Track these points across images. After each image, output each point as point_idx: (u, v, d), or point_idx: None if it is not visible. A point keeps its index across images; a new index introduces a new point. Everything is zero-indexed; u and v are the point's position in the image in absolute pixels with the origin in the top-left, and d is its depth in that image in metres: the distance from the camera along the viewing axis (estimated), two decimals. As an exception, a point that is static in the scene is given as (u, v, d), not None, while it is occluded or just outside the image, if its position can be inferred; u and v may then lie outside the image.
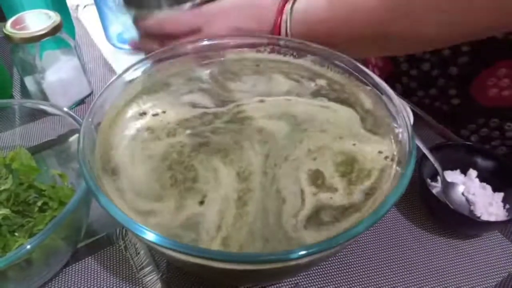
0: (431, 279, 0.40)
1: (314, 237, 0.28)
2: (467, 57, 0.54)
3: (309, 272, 0.40)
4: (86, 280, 0.38)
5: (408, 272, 0.40)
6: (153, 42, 0.48)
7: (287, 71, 0.43)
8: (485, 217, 0.42)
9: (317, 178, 0.32)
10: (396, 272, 0.40)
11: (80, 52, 0.56)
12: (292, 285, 0.39)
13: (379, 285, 0.39)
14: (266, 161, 0.33)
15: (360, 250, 0.42)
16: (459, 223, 0.42)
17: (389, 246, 0.42)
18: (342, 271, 0.40)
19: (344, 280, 0.39)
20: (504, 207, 0.43)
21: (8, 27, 0.49)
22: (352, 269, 0.40)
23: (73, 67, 0.55)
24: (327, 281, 0.39)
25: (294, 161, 0.33)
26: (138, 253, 0.40)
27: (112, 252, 0.40)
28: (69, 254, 0.39)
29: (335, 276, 0.39)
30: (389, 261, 0.41)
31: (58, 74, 0.54)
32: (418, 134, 0.35)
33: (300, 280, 0.39)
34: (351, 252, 0.41)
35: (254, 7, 0.47)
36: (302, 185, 0.31)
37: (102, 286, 0.38)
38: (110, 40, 0.71)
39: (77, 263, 0.39)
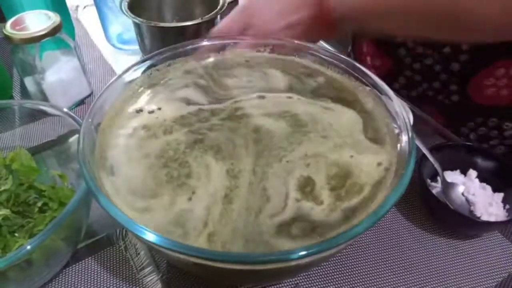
0: (431, 279, 0.40)
1: (284, 244, 0.27)
2: (467, 55, 0.54)
3: (309, 273, 0.40)
4: (86, 280, 0.38)
5: (408, 272, 0.40)
6: None
7: (284, 67, 0.43)
8: (485, 218, 0.42)
9: (306, 185, 0.31)
10: (396, 272, 0.40)
11: (80, 53, 0.56)
12: (292, 286, 0.39)
13: (379, 285, 0.39)
14: (258, 160, 0.33)
15: (360, 250, 0.42)
16: (459, 223, 0.42)
17: (389, 246, 0.42)
18: (342, 272, 0.40)
19: (344, 281, 0.39)
20: (504, 207, 0.43)
21: (8, 27, 0.49)
22: (352, 270, 0.40)
23: (73, 67, 0.55)
24: (327, 281, 0.39)
25: (288, 163, 0.33)
26: (138, 253, 0.40)
27: (112, 252, 0.40)
28: (69, 254, 0.39)
29: (335, 276, 0.39)
30: (389, 261, 0.41)
31: (58, 74, 0.54)
32: (418, 134, 0.35)
33: (300, 281, 0.39)
34: (351, 252, 0.41)
35: None
36: (289, 188, 0.31)
37: (102, 286, 0.38)
38: (110, 40, 0.71)
39: (77, 264, 0.39)
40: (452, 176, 0.46)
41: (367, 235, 0.43)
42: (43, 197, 0.40)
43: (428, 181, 0.46)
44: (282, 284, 0.39)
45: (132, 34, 0.64)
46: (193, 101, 0.39)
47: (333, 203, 0.30)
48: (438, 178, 0.45)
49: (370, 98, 0.38)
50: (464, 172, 0.46)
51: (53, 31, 0.50)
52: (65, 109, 0.41)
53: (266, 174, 0.32)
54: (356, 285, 0.39)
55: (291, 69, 0.42)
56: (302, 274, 0.39)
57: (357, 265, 0.40)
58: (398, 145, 0.33)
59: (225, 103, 0.38)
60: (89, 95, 0.60)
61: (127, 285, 0.38)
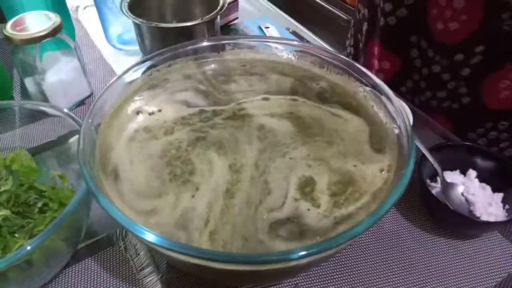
0: (431, 279, 0.40)
1: (276, 245, 0.27)
2: (481, 56, 0.52)
3: (309, 273, 0.40)
4: (86, 281, 0.38)
5: (407, 272, 0.40)
6: None
7: (282, 71, 0.42)
8: (484, 218, 0.42)
9: (307, 185, 0.31)
10: (396, 272, 0.40)
11: (80, 53, 0.56)
12: (292, 286, 0.39)
13: (379, 285, 0.39)
14: (261, 155, 0.33)
15: (360, 250, 0.42)
16: (458, 223, 0.42)
17: (388, 246, 0.42)
18: (342, 272, 0.40)
19: (344, 281, 0.39)
20: (503, 207, 0.43)
21: (8, 28, 0.49)
22: (352, 270, 0.40)
23: (73, 68, 0.56)
24: (327, 281, 0.39)
25: (290, 160, 0.33)
26: (138, 254, 0.40)
27: (112, 253, 0.40)
28: (69, 255, 0.39)
29: (335, 276, 0.39)
30: (388, 261, 0.41)
31: (58, 75, 0.54)
32: (417, 134, 0.35)
33: (300, 281, 0.39)
34: (351, 252, 0.41)
35: None
36: (290, 186, 0.31)
37: (102, 287, 0.38)
38: (110, 41, 0.71)
39: (77, 264, 0.39)
40: (452, 176, 0.46)
41: (367, 235, 0.43)
42: (43, 197, 0.40)
43: (428, 181, 0.46)
44: (282, 284, 0.39)
45: (132, 34, 0.64)
46: (193, 104, 0.39)
47: (330, 209, 0.30)
48: (438, 178, 0.45)
49: (373, 102, 0.38)
50: (463, 172, 0.46)
51: (54, 32, 0.50)
52: (65, 110, 0.41)
53: (269, 168, 0.32)
54: (356, 285, 0.39)
55: (291, 72, 0.42)
56: (302, 274, 0.39)
57: (357, 265, 0.40)
58: (398, 146, 0.34)
59: (228, 105, 0.39)
60: (89, 96, 0.60)
61: (127, 286, 0.38)
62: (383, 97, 0.37)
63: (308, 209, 0.29)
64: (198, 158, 0.33)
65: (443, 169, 0.45)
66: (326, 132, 0.36)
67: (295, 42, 0.43)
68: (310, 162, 0.33)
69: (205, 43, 0.43)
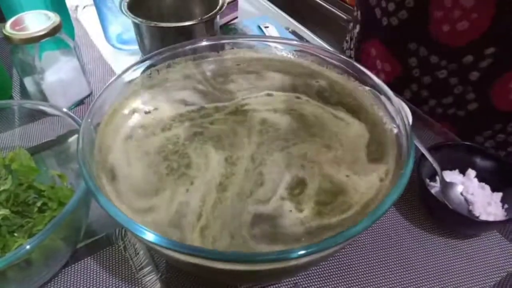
0: (430, 279, 0.40)
1: (251, 244, 0.27)
2: (491, 59, 0.51)
3: (308, 272, 0.40)
4: (85, 280, 0.38)
5: (407, 272, 0.40)
6: None
7: (283, 69, 0.43)
8: (483, 217, 0.42)
9: (297, 186, 0.31)
10: (395, 271, 0.40)
11: (79, 53, 0.56)
12: (291, 285, 0.39)
13: (378, 285, 0.39)
14: (259, 148, 0.33)
15: (359, 250, 0.42)
16: (458, 223, 0.42)
17: (388, 246, 0.42)
18: (341, 271, 0.40)
19: (343, 280, 0.39)
20: (502, 207, 0.43)
21: (8, 28, 0.49)
22: (351, 269, 0.40)
23: (73, 67, 0.55)
24: (326, 281, 0.39)
25: (288, 155, 0.33)
26: (138, 253, 0.40)
27: (111, 252, 0.40)
28: (68, 254, 0.39)
29: (334, 276, 0.40)
30: (388, 261, 0.41)
31: (58, 74, 0.54)
32: (416, 134, 0.35)
33: (299, 280, 0.39)
34: (350, 252, 0.41)
35: None
36: (281, 183, 0.31)
37: (101, 286, 0.38)
38: (109, 41, 0.71)
39: (77, 264, 0.39)
40: (451, 175, 0.46)
41: (366, 234, 0.43)
42: (42, 197, 0.40)
43: (427, 180, 0.46)
44: (281, 284, 0.39)
45: (131, 34, 0.64)
46: (191, 103, 0.39)
47: (310, 217, 0.29)
48: (437, 177, 0.45)
49: (372, 101, 0.38)
50: (463, 171, 0.46)
51: (53, 31, 0.50)
52: (64, 109, 0.41)
53: (265, 161, 0.32)
54: (354, 284, 0.39)
55: (290, 71, 0.42)
56: (301, 274, 0.39)
57: (356, 265, 0.40)
58: (397, 145, 0.34)
59: (231, 102, 0.39)
60: (89, 95, 0.60)
61: (126, 285, 0.38)
62: (382, 97, 0.37)
63: (290, 211, 0.29)
64: (195, 152, 0.33)
65: (442, 169, 0.45)
66: (326, 134, 0.35)
67: (295, 42, 0.43)
68: (305, 163, 0.33)
69: (204, 43, 0.43)
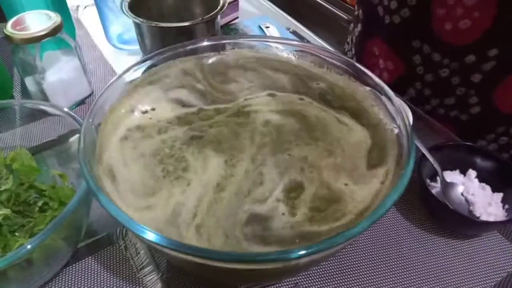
0: (430, 279, 0.40)
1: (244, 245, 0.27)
2: (494, 62, 0.51)
3: (308, 272, 0.40)
4: (86, 280, 0.38)
5: (407, 272, 0.40)
6: None
7: (284, 69, 0.42)
8: (484, 217, 0.42)
9: (295, 190, 0.31)
10: (396, 272, 0.40)
11: (80, 53, 0.56)
12: (292, 285, 0.39)
13: (379, 285, 0.39)
14: (261, 149, 0.33)
15: (360, 250, 0.42)
16: (458, 223, 0.42)
17: (388, 246, 0.42)
18: (342, 271, 0.40)
19: (343, 280, 0.39)
20: (503, 207, 0.43)
21: (9, 27, 0.49)
22: (351, 269, 0.40)
23: (74, 67, 0.56)
24: (326, 281, 0.39)
25: (289, 157, 0.33)
26: (138, 253, 0.40)
27: (112, 252, 0.40)
28: (69, 254, 0.39)
29: (334, 276, 0.40)
30: (388, 261, 0.41)
31: (59, 74, 0.54)
32: (417, 134, 0.35)
33: (300, 280, 0.39)
34: (350, 252, 0.41)
35: None
36: (280, 184, 0.31)
37: (102, 286, 0.38)
38: (110, 40, 0.71)
39: (78, 263, 0.39)
40: (452, 176, 0.46)
41: (367, 234, 0.43)
42: (43, 196, 0.40)
43: (428, 181, 0.46)
44: (282, 284, 0.39)
45: (132, 34, 0.64)
46: (190, 104, 0.39)
47: (301, 222, 0.29)
48: (438, 178, 0.45)
49: (373, 102, 0.38)
50: (463, 172, 0.46)
51: (54, 31, 0.50)
52: (65, 109, 0.41)
53: (266, 161, 0.32)
54: (355, 284, 0.39)
55: (290, 70, 0.42)
56: (301, 274, 0.39)
57: (356, 265, 0.40)
58: (398, 145, 0.34)
59: (233, 103, 0.39)
60: (90, 95, 0.60)
61: (127, 285, 0.38)
62: (383, 97, 0.37)
63: (283, 214, 0.29)
64: (192, 156, 0.33)
65: (443, 169, 0.45)
66: (329, 139, 0.35)
67: (295, 42, 0.43)
68: (305, 167, 0.32)
69: (205, 43, 0.43)
